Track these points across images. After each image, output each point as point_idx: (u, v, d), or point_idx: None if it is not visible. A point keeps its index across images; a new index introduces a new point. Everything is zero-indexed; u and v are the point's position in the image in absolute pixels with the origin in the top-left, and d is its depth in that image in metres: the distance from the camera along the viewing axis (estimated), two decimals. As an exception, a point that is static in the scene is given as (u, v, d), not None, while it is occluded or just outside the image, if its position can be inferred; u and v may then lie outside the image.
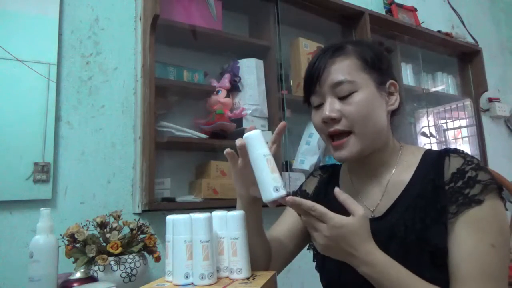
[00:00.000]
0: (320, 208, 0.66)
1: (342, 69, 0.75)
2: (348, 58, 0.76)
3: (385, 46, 0.88)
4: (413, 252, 0.69)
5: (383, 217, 0.76)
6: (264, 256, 0.84)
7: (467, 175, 0.69)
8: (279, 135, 0.77)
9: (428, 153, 0.79)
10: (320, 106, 0.78)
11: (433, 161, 0.75)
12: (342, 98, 0.75)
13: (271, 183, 0.68)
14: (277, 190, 0.67)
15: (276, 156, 0.75)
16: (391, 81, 0.79)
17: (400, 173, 0.78)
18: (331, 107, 0.75)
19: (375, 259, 0.66)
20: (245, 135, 0.72)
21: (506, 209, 0.70)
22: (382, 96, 0.78)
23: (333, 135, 0.77)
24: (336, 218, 0.66)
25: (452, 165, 0.71)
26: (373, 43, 0.83)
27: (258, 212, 0.82)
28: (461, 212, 0.67)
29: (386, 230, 0.73)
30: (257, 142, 0.70)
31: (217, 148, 1.59)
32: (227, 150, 0.75)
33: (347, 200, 0.68)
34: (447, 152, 0.74)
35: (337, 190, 0.69)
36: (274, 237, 0.90)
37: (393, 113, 0.81)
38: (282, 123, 0.76)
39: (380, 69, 0.78)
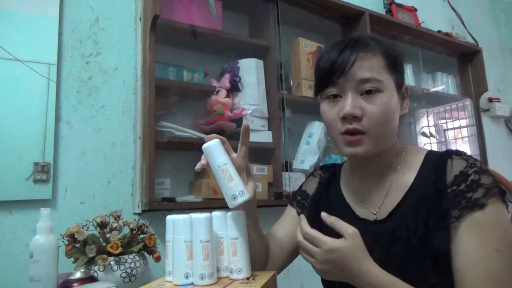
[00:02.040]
0: (312, 232, 0.67)
1: (371, 66, 0.73)
2: (376, 56, 0.74)
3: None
4: (416, 255, 0.69)
5: (386, 219, 0.75)
6: (261, 254, 0.84)
7: (470, 178, 0.68)
8: (245, 136, 0.78)
9: (430, 154, 0.78)
10: (335, 98, 0.75)
11: (436, 163, 0.74)
12: (365, 96, 0.73)
13: (228, 193, 0.71)
14: (234, 198, 0.70)
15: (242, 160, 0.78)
16: (405, 85, 0.80)
17: (403, 175, 0.77)
18: (354, 103, 0.72)
19: (376, 279, 0.66)
20: (203, 146, 0.74)
21: (509, 212, 0.70)
22: (399, 99, 0.77)
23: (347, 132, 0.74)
24: (329, 242, 0.67)
25: (455, 167, 0.71)
26: (392, 43, 0.83)
27: (253, 209, 0.81)
28: (463, 216, 0.67)
29: (389, 233, 0.73)
30: (212, 153, 0.72)
31: (217, 148, 1.58)
32: (197, 167, 0.76)
33: (335, 223, 0.70)
34: (449, 154, 0.73)
35: (323, 214, 0.71)
36: (274, 238, 0.90)
37: (401, 116, 0.81)
38: (244, 123, 0.77)
39: (400, 71, 0.77)
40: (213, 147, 0.72)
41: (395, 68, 0.76)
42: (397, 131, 0.79)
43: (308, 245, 0.69)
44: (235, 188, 0.70)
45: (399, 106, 0.77)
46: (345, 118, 0.73)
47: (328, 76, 0.75)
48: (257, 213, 0.84)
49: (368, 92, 0.72)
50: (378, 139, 0.73)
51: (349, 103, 0.72)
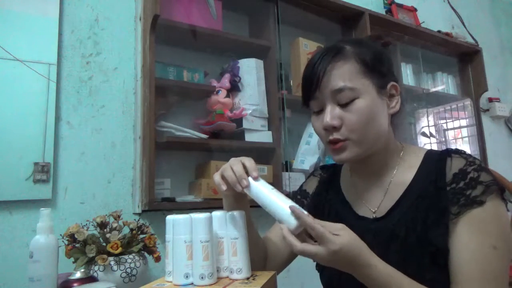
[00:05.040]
0: (319, 228, 0.63)
1: (343, 75, 0.73)
2: (348, 62, 0.74)
3: (383, 40, 0.87)
4: (414, 252, 0.69)
5: (385, 217, 0.76)
6: (259, 254, 0.84)
7: (469, 176, 0.69)
8: None
9: (430, 153, 0.78)
10: (320, 112, 0.77)
11: (435, 161, 0.74)
12: (343, 105, 0.73)
13: (286, 212, 0.67)
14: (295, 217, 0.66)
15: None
16: (392, 83, 0.78)
17: (402, 174, 0.78)
18: (332, 114, 0.74)
19: (376, 271, 0.65)
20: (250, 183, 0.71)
21: (508, 210, 0.70)
22: (383, 100, 0.76)
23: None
24: (336, 240, 0.63)
25: (454, 165, 0.71)
26: (372, 43, 0.82)
27: (246, 210, 0.81)
28: (462, 213, 0.67)
29: (388, 231, 0.73)
30: (258, 180, 0.71)
31: (217, 148, 1.59)
32: (223, 189, 0.74)
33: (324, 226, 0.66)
34: (448, 153, 0.74)
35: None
36: (272, 239, 0.90)
37: (393, 115, 0.80)
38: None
39: (381, 72, 0.76)
40: (258, 183, 0.71)
41: (372, 70, 0.75)
42: (386, 131, 0.77)
43: (311, 249, 0.64)
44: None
45: (383, 107, 0.76)
46: (326, 129, 0.75)
47: (306, 91, 0.78)
48: (249, 213, 0.82)
49: (345, 101, 0.73)
50: (361, 144, 0.74)
51: (327, 115, 0.74)
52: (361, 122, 0.73)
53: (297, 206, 0.67)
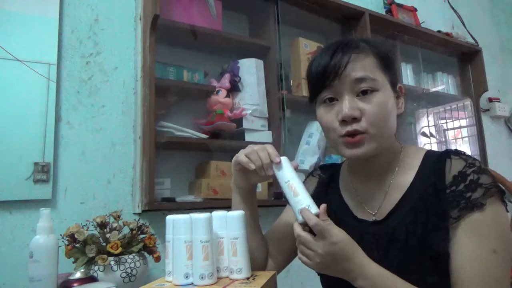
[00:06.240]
0: (321, 224, 0.68)
1: (364, 66, 0.72)
2: (369, 56, 0.73)
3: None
4: (414, 256, 0.69)
5: (384, 220, 0.75)
6: (261, 255, 0.84)
7: (469, 178, 0.68)
8: None
9: (429, 154, 0.77)
10: (332, 102, 0.74)
11: (434, 163, 0.73)
12: (362, 97, 0.72)
13: (295, 207, 0.73)
14: (300, 212, 0.72)
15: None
16: (399, 84, 0.79)
17: (402, 175, 0.77)
18: (352, 105, 0.71)
19: (370, 271, 0.67)
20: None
21: (507, 211, 0.70)
22: (395, 99, 0.76)
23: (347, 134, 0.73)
24: (335, 234, 0.67)
25: (454, 167, 0.70)
26: (382, 43, 0.83)
27: (255, 205, 0.82)
28: (462, 217, 0.66)
29: (387, 234, 0.72)
30: (280, 169, 0.76)
31: (217, 148, 1.59)
32: (252, 168, 0.77)
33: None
34: (448, 154, 0.73)
35: (323, 207, 0.72)
36: (273, 237, 0.90)
37: (398, 115, 0.79)
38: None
39: (393, 70, 0.77)
40: (282, 163, 0.76)
41: (388, 67, 0.75)
42: (395, 131, 0.78)
43: (308, 237, 0.69)
44: (301, 202, 0.72)
45: (395, 106, 0.76)
46: (344, 121, 0.72)
47: (322, 80, 0.74)
48: (257, 210, 0.84)
49: (364, 92, 0.71)
50: (378, 139, 0.72)
51: (347, 105, 0.71)
52: (381, 115, 0.71)
53: (307, 202, 0.71)
